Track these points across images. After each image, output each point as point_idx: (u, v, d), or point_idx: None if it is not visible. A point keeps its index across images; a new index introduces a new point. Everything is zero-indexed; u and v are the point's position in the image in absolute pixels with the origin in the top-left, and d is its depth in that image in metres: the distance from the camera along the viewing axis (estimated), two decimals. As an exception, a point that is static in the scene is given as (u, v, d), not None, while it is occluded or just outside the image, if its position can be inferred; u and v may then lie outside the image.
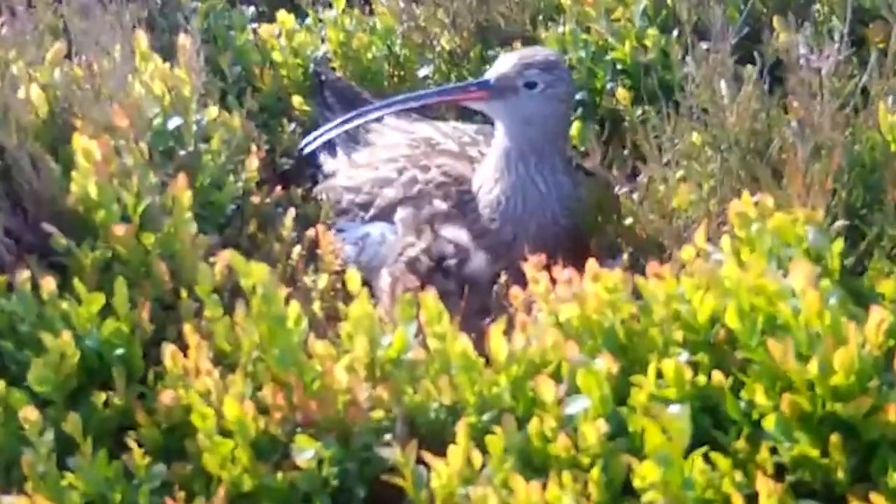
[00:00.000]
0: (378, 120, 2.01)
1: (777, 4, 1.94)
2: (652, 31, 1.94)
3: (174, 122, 1.71)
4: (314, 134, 1.88)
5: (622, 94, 1.89)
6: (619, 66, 1.98)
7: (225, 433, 1.24)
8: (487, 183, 1.77)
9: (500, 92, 1.73)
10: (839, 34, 1.63)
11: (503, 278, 1.64)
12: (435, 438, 1.23)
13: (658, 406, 1.10)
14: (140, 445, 1.25)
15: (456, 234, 1.77)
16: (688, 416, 1.08)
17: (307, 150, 1.92)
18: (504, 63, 1.74)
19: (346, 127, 1.85)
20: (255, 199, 1.79)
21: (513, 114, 1.74)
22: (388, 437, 1.25)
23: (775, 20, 1.76)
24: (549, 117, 1.75)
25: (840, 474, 1.11)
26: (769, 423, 1.13)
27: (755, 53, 1.72)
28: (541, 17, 2.09)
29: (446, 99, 1.84)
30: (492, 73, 1.75)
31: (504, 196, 1.75)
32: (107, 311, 1.36)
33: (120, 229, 1.43)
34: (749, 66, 1.66)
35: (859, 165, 1.56)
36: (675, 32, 1.90)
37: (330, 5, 2.27)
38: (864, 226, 1.52)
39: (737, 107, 1.63)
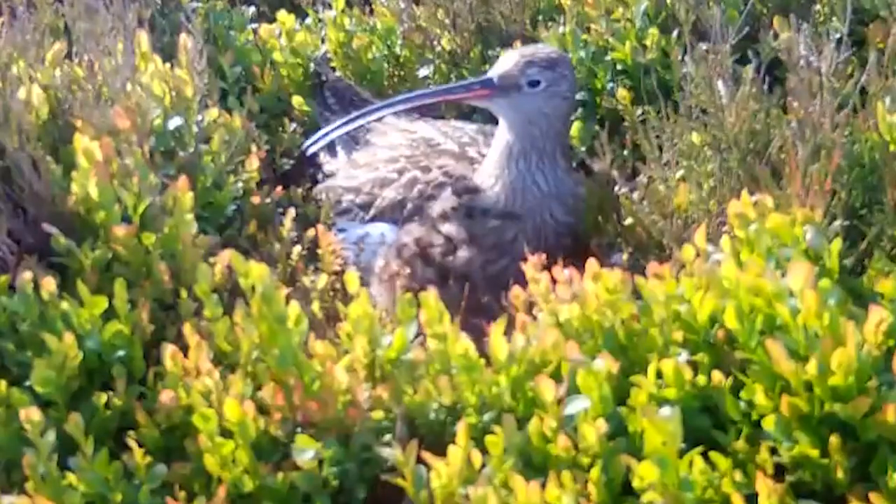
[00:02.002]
0: (379, 119, 2.01)
1: (777, 4, 1.94)
2: (652, 32, 1.94)
3: (175, 123, 1.71)
4: (317, 135, 1.88)
5: (622, 94, 1.89)
6: (619, 67, 1.99)
7: (225, 433, 1.24)
8: (488, 181, 1.77)
9: (503, 90, 1.74)
10: (839, 34, 1.63)
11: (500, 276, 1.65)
12: (435, 438, 1.24)
13: (652, 408, 1.10)
14: (140, 445, 1.25)
15: (450, 228, 1.76)
16: (679, 418, 1.08)
17: (310, 150, 1.92)
18: (507, 61, 1.75)
19: (350, 127, 1.85)
20: (255, 200, 1.80)
21: (515, 111, 1.75)
22: (388, 437, 1.25)
23: (775, 20, 1.76)
24: (551, 115, 1.75)
25: (840, 474, 1.11)
26: (769, 424, 1.13)
27: (754, 53, 1.72)
28: (541, 18, 2.09)
29: (450, 98, 1.84)
30: (495, 72, 1.76)
31: (504, 194, 1.75)
32: (107, 311, 1.36)
33: (120, 230, 1.43)
34: (748, 67, 1.66)
35: (858, 166, 1.56)
36: (675, 33, 1.90)
37: (329, 5, 2.27)
38: (864, 226, 1.52)
39: (736, 107, 1.63)
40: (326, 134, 1.86)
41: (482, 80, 1.77)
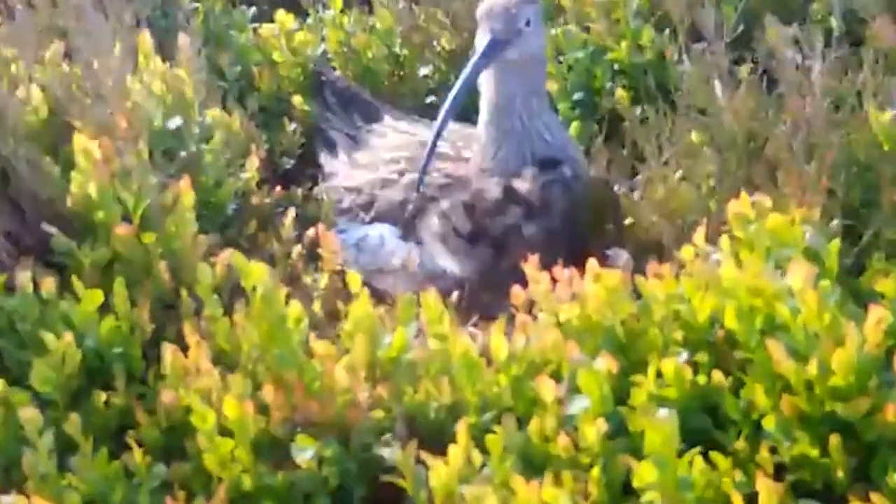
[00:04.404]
0: (379, 120, 2.01)
1: (773, 4, 1.94)
2: (647, 31, 1.94)
3: (174, 123, 1.71)
4: (420, 173, 1.78)
5: (621, 94, 1.89)
6: (617, 67, 1.99)
7: (225, 433, 1.24)
8: (488, 148, 1.77)
9: (508, 42, 1.73)
10: (835, 33, 1.63)
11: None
12: (435, 438, 1.23)
13: (651, 408, 1.10)
14: (140, 445, 1.25)
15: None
16: (676, 419, 1.08)
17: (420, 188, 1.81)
18: (497, 14, 1.73)
19: (437, 145, 1.78)
20: (256, 199, 1.80)
21: (521, 54, 1.74)
22: (387, 436, 1.25)
23: (766, 19, 1.76)
24: (543, 47, 1.79)
25: (840, 474, 1.11)
26: (769, 423, 1.14)
27: (751, 53, 1.72)
28: (540, 17, 2.09)
29: (477, 77, 1.77)
30: (492, 30, 1.73)
31: (511, 156, 1.75)
32: (107, 310, 1.36)
33: (121, 229, 1.43)
34: (744, 66, 1.66)
35: (855, 165, 1.56)
36: (671, 32, 1.90)
37: (327, 5, 2.28)
38: (861, 225, 1.52)
39: (733, 106, 1.63)
40: (425, 168, 1.77)
41: (490, 44, 1.73)
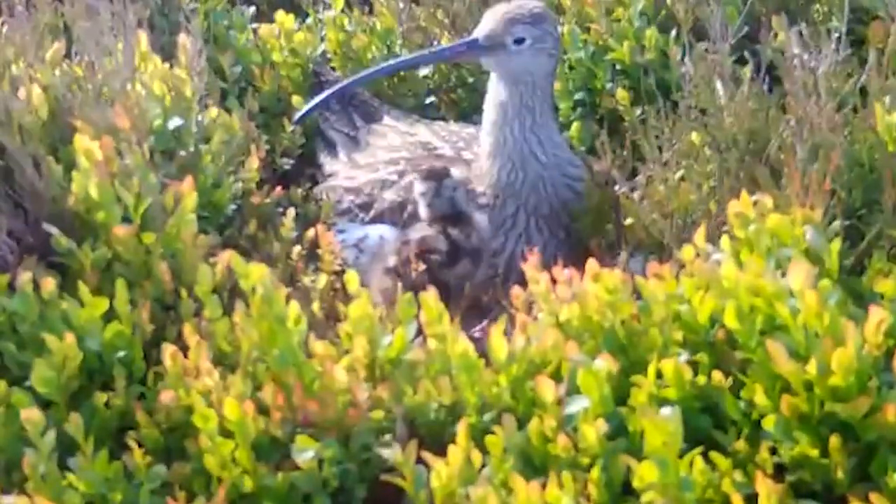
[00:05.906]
0: (379, 120, 2.01)
1: (776, 4, 1.94)
2: (650, 32, 1.94)
3: (175, 123, 1.71)
4: (310, 103, 1.85)
5: (621, 94, 1.89)
6: (618, 67, 1.99)
7: (225, 433, 1.24)
8: (485, 158, 1.77)
9: (489, 49, 1.73)
10: (838, 34, 1.63)
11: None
12: (435, 438, 1.24)
13: (652, 408, 1.10)
14: (140, 446, 1.25)
15: (456, 232, 1.77)
16: (679, 418, 1.08)
17: (301, 117, 1.90)
18: (491, 19, 1.74)
19: (337, 88, 1.81)
20: (255, 199, 1.80)
21: (504, 70, 1.74)
22: (388, 437, 1.25)
23: (773, 20, 1.76)
24: (537, 73, 1.75)
25: (840, 474, 1.11)
26: (769, 424, 1.14)
27: (754, 53, 1.72)
28: (540, 17, 2.09)
29: (438, 60, 1.84)
30: (480, 31, 1.75)
31: (504, 169, 1.75)
32: (108, 311, 1.36)
33: (121, 230, 1.43)
34: (747, 66, 1.66)
35: (858, 165, 1.56)
36: (674, 32, 1.90)
37: (329, 5, 2.28)
38: (863, 226, 1.52)
39: (735, 107, 1.63)
40: (317, 102, 1.82)
41: (468, 42, 1.76)
